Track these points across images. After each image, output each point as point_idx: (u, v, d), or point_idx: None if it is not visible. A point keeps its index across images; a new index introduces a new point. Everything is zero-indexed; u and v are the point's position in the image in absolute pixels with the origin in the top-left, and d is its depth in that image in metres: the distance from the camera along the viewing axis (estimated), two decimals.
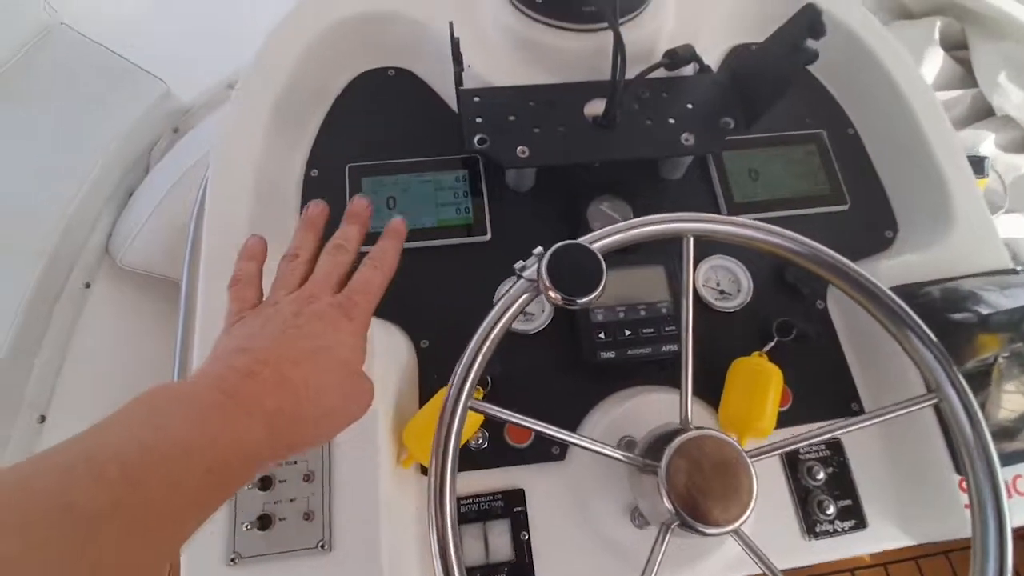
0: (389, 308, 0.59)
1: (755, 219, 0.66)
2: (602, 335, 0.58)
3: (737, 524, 0.42)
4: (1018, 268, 0.61)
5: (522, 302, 0.44)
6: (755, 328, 0.62)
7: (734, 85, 0.64)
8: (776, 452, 0.46)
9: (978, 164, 0.83)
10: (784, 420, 0.58)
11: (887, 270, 0.60)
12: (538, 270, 0.40)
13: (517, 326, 0.60)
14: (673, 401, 0.48)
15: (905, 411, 0.46)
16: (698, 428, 0.45)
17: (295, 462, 0.47)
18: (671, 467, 0.43)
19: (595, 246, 0.44)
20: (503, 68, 0.66)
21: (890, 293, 0.48)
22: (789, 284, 0.64)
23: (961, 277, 0.58)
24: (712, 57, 0.74)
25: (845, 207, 0.68)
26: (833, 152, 0.70)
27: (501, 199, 0.66)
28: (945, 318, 0.54)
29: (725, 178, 0.68)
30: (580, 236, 0.45)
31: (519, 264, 0.44)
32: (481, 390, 0.56)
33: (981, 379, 0.53)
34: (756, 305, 0.63)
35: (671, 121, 0.63)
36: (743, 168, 0.69)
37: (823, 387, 0.61)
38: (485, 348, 0.42)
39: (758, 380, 0.55)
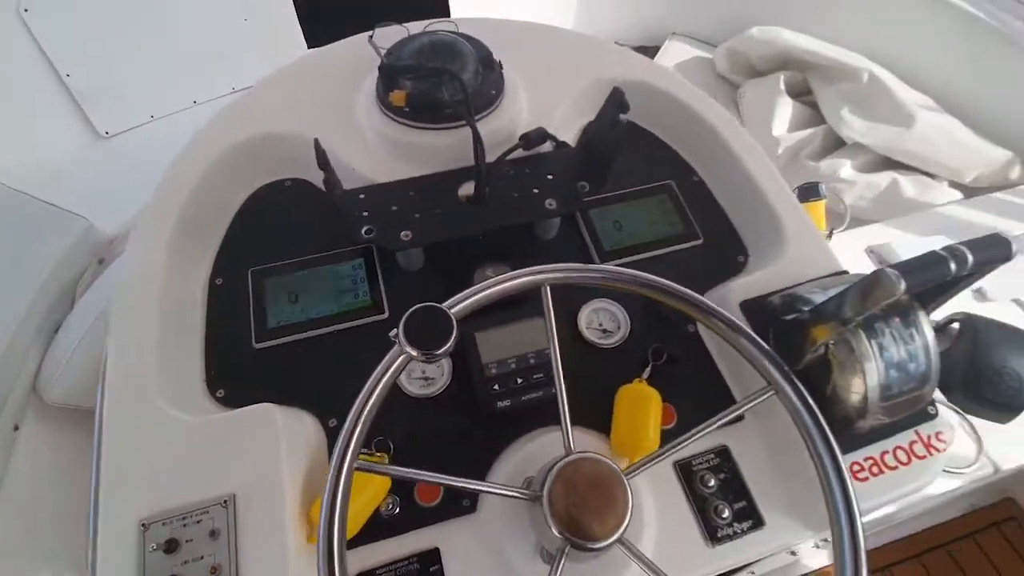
0: (297, 395, 0.63)
1: (621, 263, 0.76)
2: (496, 386, 0.64)
3: (618, 534, 0.46)
4: (847, 271, 0.71)
5: (398, 364, 0.49)
6: (637, 358, 0.68)
7: (584, 155, 0.75)
8: (649, 465, 0.52)
9: (813, 189, 0.97)
10: (672, 436, 0.64)
11: (739, 288, 0.69)
12: (397, 333, 0.46)
13: (418, 391, 0.65)
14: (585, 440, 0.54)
15: (746, 407, 0.53)
16: (578, 453, 0.50)
17: (199, 520, 0.50)
18: (551, 494, 0.48)
19: (457, 308, 0.51)
20: (383, 167, 0.75)
21: (720, 309, 0.56)
22: (662, 315, 0.72)
23: (795, 285, 0.68)
24: (570, 133, 0.86)
25: (699, 242, 0.78)
26: (684, 198, 0.82)
27: (395, 281, 0.73)
28: (783, 320, 0.63)
29: (594, 232, 0.78)
30: None
31: (392, 332, 0.50)
32: (385, 455, 0.59)
33: (822, 369, 0.60)
34: (636, 338, 0.70)
35: (535, 191, 0.73)
36: (608, 221, 0.79)
37: (705, 400, 0.67)
38: (366, 411, 0.47)
39: (637, 404, 0.61)
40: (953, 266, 0.47)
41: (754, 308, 0.66)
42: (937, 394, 0.61)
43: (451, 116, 0.75)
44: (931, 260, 0.48)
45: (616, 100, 0.63)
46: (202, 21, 1.45)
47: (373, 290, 0.71)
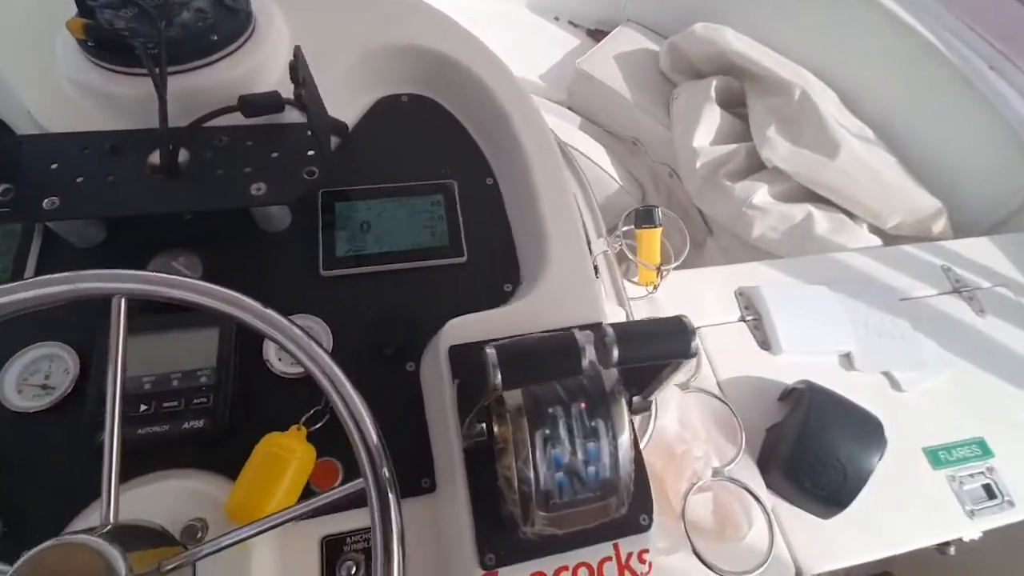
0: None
1: (348, 274, 0.62)
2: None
3: None
4: (599, 323, 0.56)
5: None
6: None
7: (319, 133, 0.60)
8: (185, 562, 0.38)
9: (648, 215, 0.82)
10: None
11: (458, 327, 0.54)
12: None
13: (24, 403, 0.51)
14: (197, 488, 0.41)
15: (331, 498, 0.39)
16: (75, 534, 0.36)
17: None
18: None
19: None
20: (69, 115, 0.60)
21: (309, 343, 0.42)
22: (377, 347, 0.58)
23: (512, 337, 0.53)
24: (357, 110, 0.71)
25: (462, 260, 0.64)
26: (467, 204, 0.67)
27: (59, 255, 0.58)
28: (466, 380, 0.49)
29: (331, 230, 0.63)
30: None
31: None
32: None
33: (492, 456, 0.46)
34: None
35: (247, 170, 0.58)
36: (356, 220, 0.64)
37: (396, 465, 0.53)
38: None
39: (272, 461, 0.48)
40: (585, 361, 0.33)
41: (461, 358, 0.52)
42: None
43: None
44: (559, 346, 0.34)
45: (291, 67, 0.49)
46: None
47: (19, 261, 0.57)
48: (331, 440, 0.52)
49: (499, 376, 0.32)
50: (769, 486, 0.79)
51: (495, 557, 0.45)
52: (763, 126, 1.33)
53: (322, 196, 0.65)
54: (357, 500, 0.40)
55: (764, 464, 0.80)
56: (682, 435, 0.76)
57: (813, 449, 0.75)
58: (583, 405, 0.42)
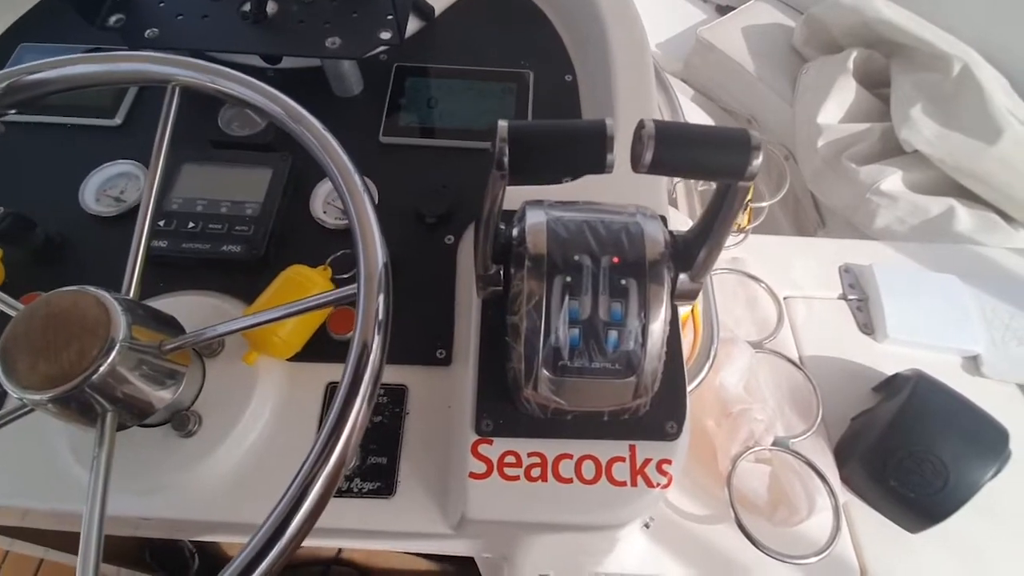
0: None
1: (413, 143, 0.60)
2: (161, 223, 0.52)
3: (49, 393, 0.33)
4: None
5: None
6: None
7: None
8: (185, 343, 0.38)
9: None
10: (341, 350, 0.49)
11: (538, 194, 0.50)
12: None
13: (98, 207, 0.55)
14: (220, 307, 0.44)
15: (328, 298, 0.37)
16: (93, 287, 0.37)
17: None
18: (11, 324, 0.35)
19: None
20: None
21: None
22: (420, 213, 0.55)
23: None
24: None
25: None
26: (540, 97, 0.63)
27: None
28: None
29: (397, 103, 0.62)
30: None
31: None
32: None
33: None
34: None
35: (326, 25, 0.59)
36: (423, 94, 0.62)
37: (414, 329, 0.51)
38: None
39: (289, 286, 0.47)
40: (611, 155, 0.27)
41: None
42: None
43: None
44: (583, 129, 0.28)
45: None
46: None
47: None
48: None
49: (507, 153, 0.28)
50: (844, 480, 0.66)
51: (492, 424, 0.41)
52: (907, 104, 1.15)
53: (396, 69, 0.64)
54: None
55: (842, 453, 0.68)
56: (743, 397, 0.67)
57: (909, 440, 0.62)
58: (615, 260, 0.37)
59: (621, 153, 0.28)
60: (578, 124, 0.29)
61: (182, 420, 0.43)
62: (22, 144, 0.59)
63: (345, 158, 0.37)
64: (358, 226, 0.36)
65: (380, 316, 0.34)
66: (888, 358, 0.76)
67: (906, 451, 0.62)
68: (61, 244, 0.53)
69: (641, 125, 0.28)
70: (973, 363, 0.77)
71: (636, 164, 0.28)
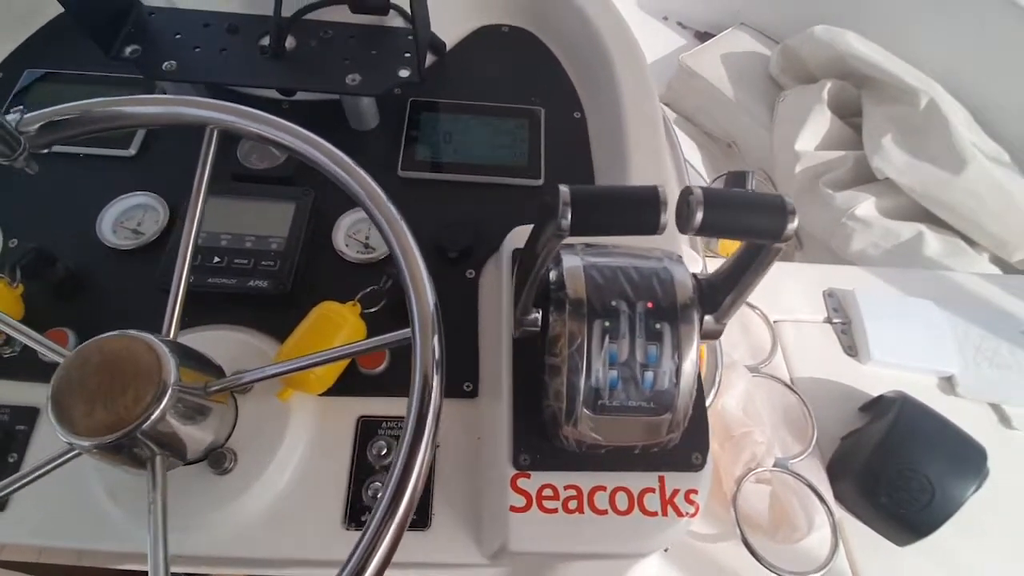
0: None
1: (431, 177, 0.62)
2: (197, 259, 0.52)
3: (107, 439, 0.34)
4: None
5: None
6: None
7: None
8: (229, 385, 0.39)
9: (741, 178, 0.76)
10: (369, 384, 0.50)
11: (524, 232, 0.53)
12: None
13: (116, 240, 0.55)
14: (251, 343, 0.44)
15: (378, 343, 0.38)
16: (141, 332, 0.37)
17: None
18: (62, 370, 0.35)
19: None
20: None
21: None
22: (441, 248, 0.57)
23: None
24: (457, 33, 0.72)
25: (539, 183, 0.62)
26: (551, 133, 0.65)
27: None
28: None
29: (413, 137, 0.63)
30: None
31: None
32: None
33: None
34: None
35: (345, 61, 0.60)
36: (439, 129, 0.64)
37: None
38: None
39: (322, 324, 0.48)
40: (664, 218, 0.30)
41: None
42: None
43: None
44: (640, 194, 0.31)
45: None
46: None
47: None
48: (384, 325, 0.51)
49: (568, 215, 0.30)
50: (838, 497, 0.70)
51: (530, 459, 0.43)
52: (879, 134, 1.22)
53: (411, 104, 0.65)
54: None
55: (835, 471, 0.72)
56: (743, 420, 0.70)
57: (898, 460, 0.66)
58: (649, 305, 0.39)
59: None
60: (633, 189, 0.31)
61: (218, 458, 0.43)
62: (36, 174, 0.59)
63: (394, 211, 0.39)
64: (407, 272, 0.38)
65: (437, 356, 0.35)
66: (871, 379, 0.81)
67: (895, 469, 0.66)
68: (81, 278, 0.53)
69: (688, 191, 0.30)
70: (948, 383, 0.82)
71: (685, 227, 0.31)
